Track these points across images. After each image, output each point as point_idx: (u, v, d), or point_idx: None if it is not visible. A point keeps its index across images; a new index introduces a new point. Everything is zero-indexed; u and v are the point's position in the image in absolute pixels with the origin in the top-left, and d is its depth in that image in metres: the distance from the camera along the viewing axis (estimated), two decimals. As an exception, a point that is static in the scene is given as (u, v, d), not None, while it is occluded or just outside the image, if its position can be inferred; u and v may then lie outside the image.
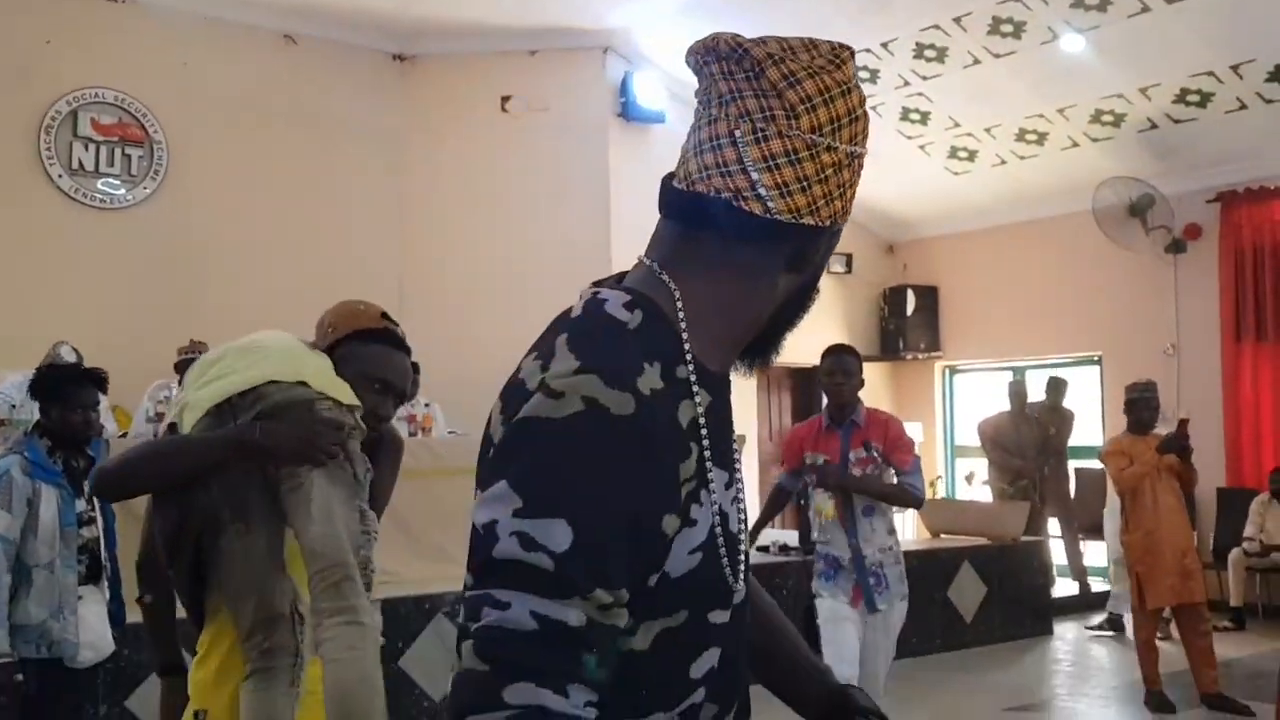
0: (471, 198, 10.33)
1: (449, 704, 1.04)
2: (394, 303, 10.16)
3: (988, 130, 10.40)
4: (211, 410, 2.46)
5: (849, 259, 12.25)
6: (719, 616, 1.19)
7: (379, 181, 10.32)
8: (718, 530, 1.16)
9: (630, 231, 8.55)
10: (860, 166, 1.21)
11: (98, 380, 4.39)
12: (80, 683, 4.51)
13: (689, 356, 1.17)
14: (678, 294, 1.19)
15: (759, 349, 1.28)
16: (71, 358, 6.80)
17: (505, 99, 10.48)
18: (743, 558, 1.23)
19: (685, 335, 1.18)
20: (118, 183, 9.12)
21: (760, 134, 1.15)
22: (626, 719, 1.13)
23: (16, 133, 8.71)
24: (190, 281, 9.13)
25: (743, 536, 1.24)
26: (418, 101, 10.53)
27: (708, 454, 1.17)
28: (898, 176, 11.39)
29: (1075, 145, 10.24)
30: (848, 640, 4.68)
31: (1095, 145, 10.15)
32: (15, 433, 5.32)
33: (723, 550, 1.17)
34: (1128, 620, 8.50)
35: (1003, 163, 10.80)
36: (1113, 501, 8.75)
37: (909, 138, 10.78)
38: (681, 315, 1.18)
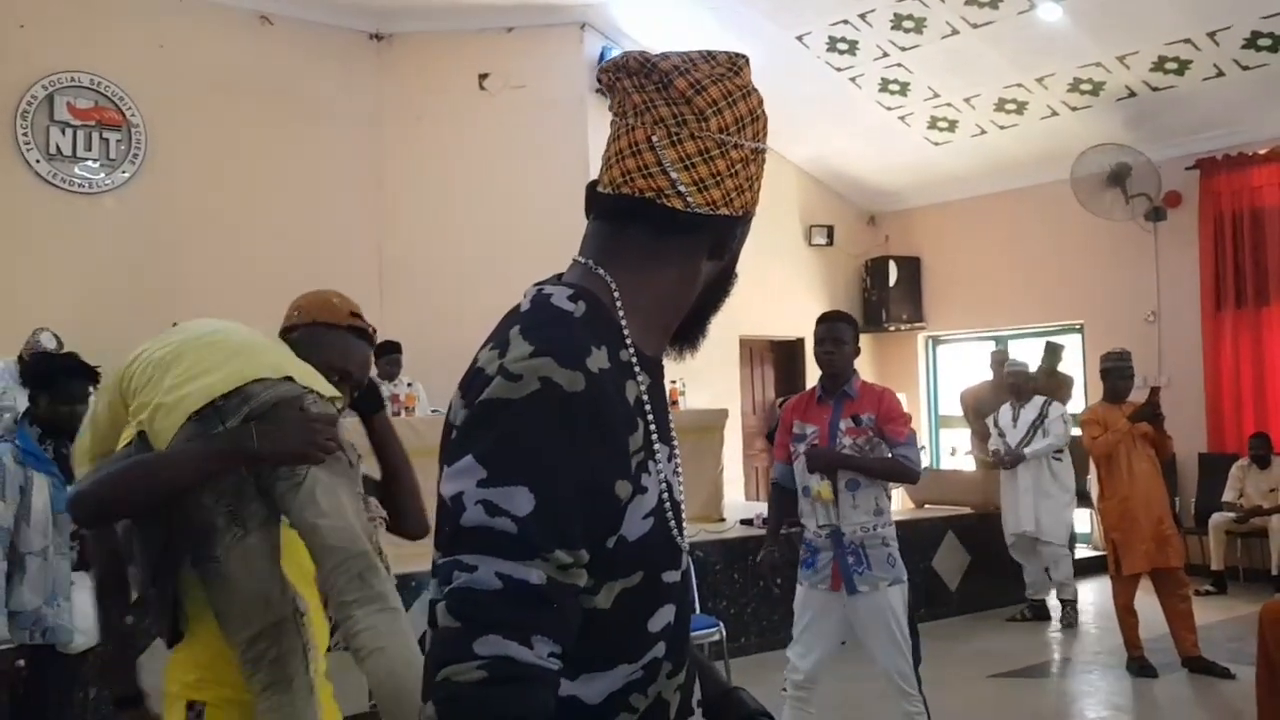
0: (450, 176, 10.31)
1: (426, 660, 1.15)
2: (374, 282, 10.22)
3: (967, 100, 10.42)
4: (193, 415, 2.27)
5: (830, 231, 12.28)
6: (671, 576, 1.31)
7: (358, 161, 10.30)
8: (665, 497, 1.29)
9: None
10: (763, 161, 1.36)
11: (91, 374, 4.39)
12: (71, 667, 4.54)
13: (629, 342, 1.30)
14: (614, 286, 1.32)
15: (687, 334, 1.42)
16: (52, 344, 6.77)
17: (483, 76, 10.46)
18: (685, 524, 1.37)
19: (624, 323, 1.31)
20: (96, 166, 9.07)
21: (675, 137, 1.29)
22: (595, 671, 1.25)
23: (-8, 118, 8.65)
24: (170, 265, 9.09)
25: (684, 504, 1.37)
26: (395, 80, 10.50)
27: (653, 429, 1.29)
28: (878, 147, 11.42)
29: (1054, 114, 10.27)
30: (817, 633, 4.55)
31: (1074, 114, 10.18)
32: (5, 420, 5.34)
33: (670, 515, 1.30)
34: (1051, 605, 8.38)
35: (983, 133, 10.82)
36: (1011, 478, 8.53)
37: (888, 109, 10.78)
38: (619, 305, 1.32)
